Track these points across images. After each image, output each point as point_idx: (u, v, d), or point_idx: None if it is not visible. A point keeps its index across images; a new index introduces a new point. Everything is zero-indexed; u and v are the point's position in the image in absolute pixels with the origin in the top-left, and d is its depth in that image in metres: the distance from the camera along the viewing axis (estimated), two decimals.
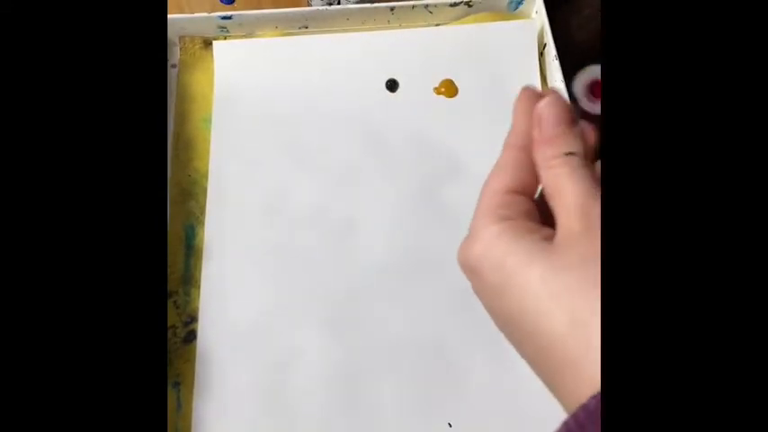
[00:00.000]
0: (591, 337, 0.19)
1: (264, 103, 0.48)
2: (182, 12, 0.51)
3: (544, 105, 0.23)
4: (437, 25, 0.51)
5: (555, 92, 0.23)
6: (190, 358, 0.40)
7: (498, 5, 0.51)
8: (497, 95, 0.49)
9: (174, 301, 0.41)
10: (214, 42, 0.49)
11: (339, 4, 0.51)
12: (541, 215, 0.23)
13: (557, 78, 0.47)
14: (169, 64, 0.49)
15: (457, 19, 0.51)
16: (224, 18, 0.48)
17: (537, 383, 0.40)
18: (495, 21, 0.50)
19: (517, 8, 0.51)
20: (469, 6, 0.50)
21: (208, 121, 0.47)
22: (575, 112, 0.23)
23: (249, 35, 0.50)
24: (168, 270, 0.42)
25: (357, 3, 0.50)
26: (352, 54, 0.49)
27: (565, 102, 0.23)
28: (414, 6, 0.49)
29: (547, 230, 0.22)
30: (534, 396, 0.39)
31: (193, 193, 0.45)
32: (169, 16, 0.47)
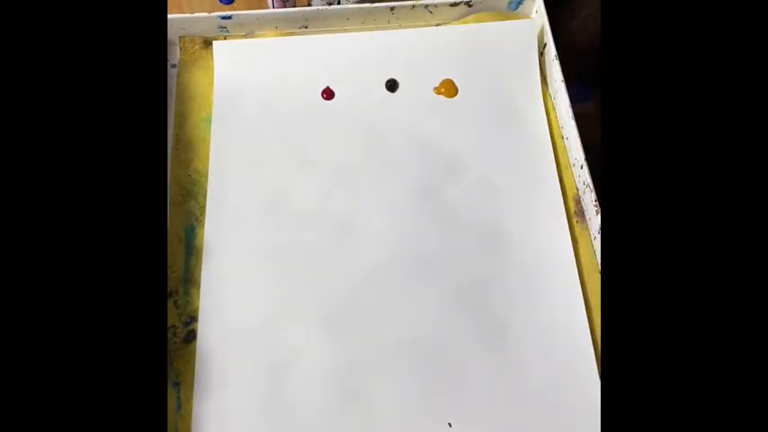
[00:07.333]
0: None
1: (264, 103, 0.48)
2: (182, 11, 0.51)
3: None
4: (437, 25, 0.51)
5: None
6: (190, 358, 0.40)
7: (498, 5, 0.51)
8: (497, 95, 0.49)
9: (174, 301, 0.41)
10: (214, 42, 0.49)
11: (339, 3, 0.51)
12: None
13: (557, 78, 0.47)
14: (169, 64, 0.49)
15: (457, 19, 0.51)
16: (224, 18, 0.48)
17: (537, 383, 0.40)
18: (496, 20, 0.50)
19: (517, 8, 0.51)
20: (469, 6, 0.50)
21: (208, 121, 0.47)
22: None
23: (249, 35, 0.50)
24: (168, 270, 0.42)
25: (357, 2, 0.50)
26: (352, 54, 0.49)
27: None
28: (414, 6, 0.49)
29: None
30: (534, 396, 0.39)
31: (193, 193, 0.45)
32: (169, 16, 0.47)
